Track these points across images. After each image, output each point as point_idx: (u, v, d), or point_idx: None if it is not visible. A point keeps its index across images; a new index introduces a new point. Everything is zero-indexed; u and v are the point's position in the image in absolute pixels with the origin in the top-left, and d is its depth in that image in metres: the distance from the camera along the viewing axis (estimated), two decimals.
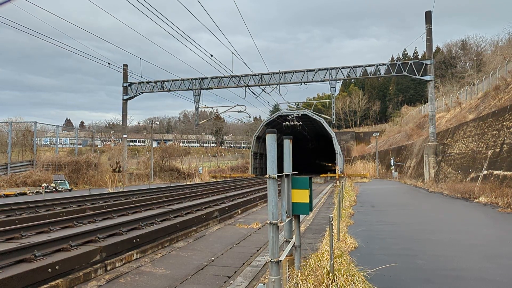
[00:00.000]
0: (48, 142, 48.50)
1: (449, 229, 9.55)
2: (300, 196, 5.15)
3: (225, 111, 37.20)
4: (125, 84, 37.18)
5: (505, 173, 16.02)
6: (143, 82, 36.41)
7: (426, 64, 29.68)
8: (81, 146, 51.97)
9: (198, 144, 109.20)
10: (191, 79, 34.97)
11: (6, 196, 21.85)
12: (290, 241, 5.13)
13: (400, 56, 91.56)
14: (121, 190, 24.61)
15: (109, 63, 30.06)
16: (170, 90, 35.73)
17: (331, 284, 4.50)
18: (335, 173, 39.33)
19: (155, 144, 65.73)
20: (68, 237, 7.04)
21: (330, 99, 36.54)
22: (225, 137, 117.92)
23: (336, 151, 45.79)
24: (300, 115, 45.74)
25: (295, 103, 54.15)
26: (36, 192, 24.71)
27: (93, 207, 13.59)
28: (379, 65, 31.44)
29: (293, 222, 5.37)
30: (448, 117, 36.94)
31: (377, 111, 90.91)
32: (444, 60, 63.20)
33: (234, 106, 36.19)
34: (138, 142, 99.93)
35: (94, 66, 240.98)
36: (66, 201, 15.15)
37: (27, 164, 31.95)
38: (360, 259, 5.99)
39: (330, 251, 4.76)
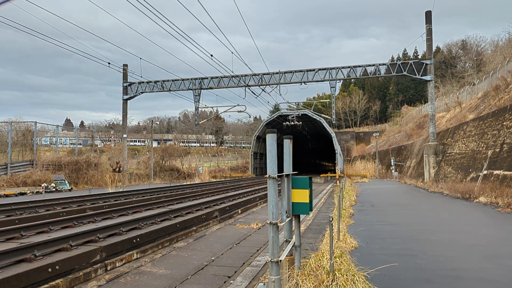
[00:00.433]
0: (48, 142, 48.50)
1: (449, 229, 9.55)
2: (300, 196, 5.15)
3: (225, 111, 37.23)
4: (125, 84, 37.17)
5: (505, 173, 16.01)
6: (143, 82, 36.41)
7: (426, 64, 29.67)
8: (81, 146, 51.98)
9: (198, 144, 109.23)
10: (191, 79, 34.97)
11: (6, 196, 21.85)
12: (290, 241, 5.13)
13: (400, 56, 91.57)
14: (121, 190, 24.61)
15: (109, 63, 30.08)
16: (170, 90, 35.73)
17: (331, 284, 4.50)
18: (335, 173, 39.33)
19: (155, 144, 65.74)
20: (68, 237, 7.04)
21: (330, 99, 36.54)
22: (225, 137, 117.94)
23: (336, 151, 45.79)
24: (300, 115, 45.74)
25: (295, 103, 54.17)
26: (36, 192, 24.71)
27: (93, 207, 13.60)
28: (379, 65, 31.43)
29: (293, 222, 5.37)
30: (448, 117, 36.94)
31: (377, 111, 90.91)
32: (444, 60, 63.19)
33: (234, 106, 36.22)
34: (138, 142, 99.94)
35: (94, 66, 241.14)
36: (66, 201, 15.15)
37: (27, 164, 31.95)
38: (360, 259, 5.99)
39: (330, 251, 4.76)
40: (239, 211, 14.14)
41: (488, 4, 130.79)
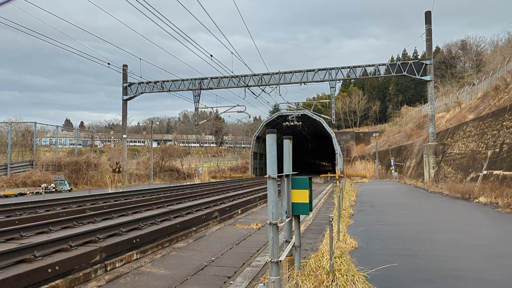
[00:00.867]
0: (48, 143, 48.46)
1: (449, 229, 9.55)
2: (300, 196, 5.15)
3: (225, 111, 37.24)
4: (125, 85, 37.18)
5: (505, 173, 16.02)
6: (143, 83, 36.41)
7: (426, 64, 29.69)
8: (81, 146, 51.93)
9: (198, 144, 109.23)
10: (191, 79, 34.98)
11: (6, 196, 21.84)
12: (290, 241, 5.13)
13: (400, 56, 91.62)
14: (121, 190, 24.60)
15: (108, 64, 30.05)
16: (170, 91, 35.73)
17: (331, 284, 4.50)
18: (335, 173, 39.32)
19: (155, 144, 65.72)
20: (68, 237, 7.03)
21: (330, 99, 36.56)
22: (225, 137, 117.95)
23: (336, 151, 45.79)
24: (300, 115, 45.74)
25: (295, 103, 54.14)
26: (36, 192, 24.70)
27: (93, 207, 13.59)
28: (379, 65, 31.45)
29: (293, 222, 5.37)
30: (448, 117, 36.95)
31: (377, 111, 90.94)
32: (444, 60, 63.23)
33: (234, 106, 36.23)
34: (138, 142, 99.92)
35: (94, 66, 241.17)
36: (66, 202, 15.14)
37: (27, 164, 31.93)
38: (360, 259, 5.99)
39: (330, 251, 4.76)
40: (239, 212, 14.14)
41: (488, 4, 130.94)
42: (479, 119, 22.31)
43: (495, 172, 17.00)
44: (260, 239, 9.25)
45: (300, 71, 32.65)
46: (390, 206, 15.00)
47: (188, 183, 35.54)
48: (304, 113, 46.00)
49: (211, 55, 23.26)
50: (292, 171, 5.17)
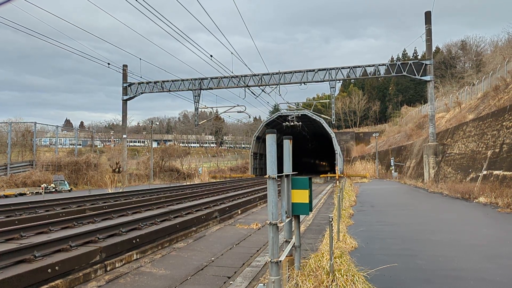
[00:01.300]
0: (47, 143, 48.46)
1: (449, 229, 9.55)
2: (300, 196, 5.15)
3: (225, 112, 37.22)
4: (125, 85, 37.17)
5: (505, 173, 16.02)
6: (143, 83, 36.42)
7: (426, 64, 29.69)
8: (80, 146, 51.93)
9: (198, 145, 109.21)
10: (191, 80, 34.98)
11: (6, 196, 21.83)
12: (290, 242, 5.13)
13: (400, 56, 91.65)
14: (120, 190, 24.60)
15: (108, 64, 30.04)
16: (170, 91, 35.73)
17: (331, 284, 4.50)
18: (335, 173, 39.32)
19: (154, 145, 65.72)
20: (68, 237, 7.03)
21: (329, 99, 36.57)
22: (225, 137, 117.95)
23: (336, 151, 45.78)
24: (300, 115, 45.74)
25: (295, 103, 54.18)
26: (36, 192, 24.69)
27: (93, 207, 13.59)
28: (379, 65, 31.45)
29: (293, 222, 5.37)
30: (447, 117, 36.96)
31: (377, 111, 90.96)
32: (444, 60, 63.25)
33: (234, 106, 36.22)
34: (138, 142, 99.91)
35: (93, 66, 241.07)
36: (65, 202, 15.14)
37: (26, 164, 31.93)
38: (360, 259, 5.99)
39: (330, 251, 4.76)
40: (239, 212, 14.14)
41: (488, 4, 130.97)
42: (479, 119, 22.31)
43: (495, 172, 17.00)
44: (260, 239, 9.25)
45: (300, 71, 32.65)
46: (390, 206, 15.00)
47: (188, 183, 35.54)
48: (304, 113, 46.00)
49: (211, 55, 23.28)
50: (292, 171, 5.17)
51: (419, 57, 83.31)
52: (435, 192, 20.72)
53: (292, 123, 44.70)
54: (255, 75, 33.38)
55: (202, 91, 35.05)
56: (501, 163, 16.87)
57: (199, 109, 35.85)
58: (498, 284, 5.14)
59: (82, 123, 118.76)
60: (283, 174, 4.98)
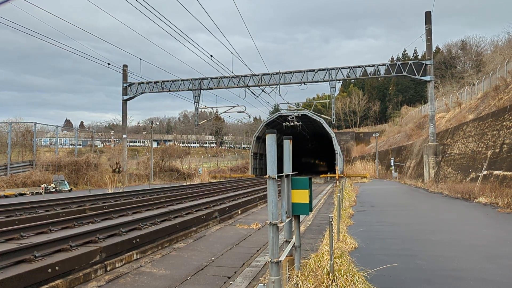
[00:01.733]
0: (48, 143, 48.46)
1: (449, 229, 9.55)
2: (300, 196, 5.15)
3: (225, 112, 37.22)
4: (125, 85, 37.18)
5: (505, 173, 16.02)
6: (143, 83, 36.42)
7: (426, 65, 29.69)
8: (81, 146, 51.93)
9: (198, 145, 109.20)
10: (191, 80, 34.98)
11: (6, 196, 21.84)
12: (290, 242, 5.13)
13: (400, 57, 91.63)
14: (121, 190, 24.60)
15: (108, 64, 30.04)
16: (170, 91, 35.74)
17: (331, 284, 4.50)
18: (335, 173, 39.32)
19: (155, 145, 65.72)
20: (68, 237, 7.03)
21: (330, 100, 36.56)
22: (225, 137, 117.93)
23: (336, 152, 45.79)
24: (300, 115, 45.73)
25: (295, 103, 54.15)
26: (36, 192, 24.70)
27: (93, 207, 13.59)
28: (379, 65, 31.45)
29: (293, 222, 5.37)
30: (448, 117, 36.95)
31: (377, 111, 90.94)
32: (444, 61, 63.25)
33: (234, 106, 36.22)
34: (138, 142, 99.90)
35: (93, 66, 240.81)
36: (66, 202, 15.14)
37: (26, 164, 31.93)
38: (360, 259, 5.99)
39: (330, 251, 4.76)
40: (239, 212, 14.14)
41: (488, 4, 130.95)
42: (479, 119, 22.31)
43: (495, 172, 17.00)
44: (260, 239, 9.25)
45: (300, 71, 32.65)
46: (390, 206, 15.00)
47: (188, 183, 35.55)
48: (304, 113, 46.00)
49: (211, 55, 23.26)
50: (292, 171, 5.17)
51: (419, 57, 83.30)
52: (435, 192, 20.71)
53: (292, 123, 44.70)
54: (255, 75, 33.38)
55: (202, 91, 35.06)
56: (501, 163, 16.87)
57: (199, 109, 35.86)
58: (498, 284, 5.14)
59: (82, 123, 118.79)
60: (283, 174, 4.98)
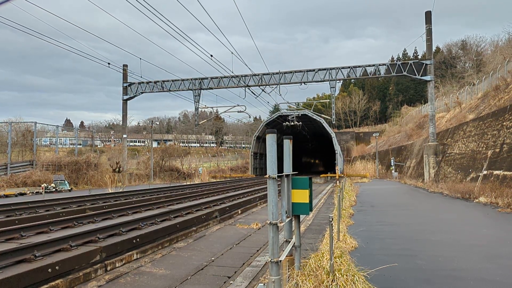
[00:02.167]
0: (48, 142, 48.49)
1: (449, 229, 9.55)
2: (300, 196, 5.15)
3: (225, 111, 37.23)
4: (125, 84, 37.18)
5: (505, 173, 16.01)
6: (143, 82, 36.42)
7: (426, 64, 29.69)
8: (81, 146, 51.94)
9: (198, 144, 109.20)
10: (191, 79, 34.98)
11: (6, 196, 21.84)
12: (290, 241, 5.13)
13: (400, 56, 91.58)
14: (121, 190, 24.60)
15: (109, 63, 30.06)
16: (170, 90, 35.74)
17: (331, 284, 4.50)
18: (335, 173, 39.31)
19: (155, 144, 65.72)
20: (68, 237, 7.03)
21: (330, 99, 36.55)
22: (225, 137, 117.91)
23: (336, 151, 45.78)
24: (300, 115, 45.72)
25: (295, 103, 54.14)
26: (36, 192, 24.70)
27: (93, 207, 13.59)
28: (379, 65, 31.45)
29: (293, 222, 5.37)
30: (448, 117, 36.94)
31: (377, 111, 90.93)
32: (444, 60, 63.23)
33: (234, 106, 36.22)
34: (138, 142, 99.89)
35: (93, 66, 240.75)
36: (66, 201, 15.15)
37: (27, 164, 31.94)
38: (360, 259, 5.99)
39: (330, 251, 4.76)
40: (239, 211, 14.14)
41: (488, 4, 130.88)
42: (479, 119, 22.30)
43: (495, 172, 17.00)
44: (260, 239, 9.25)
45: (300, 71, 32.64)
46: (390, 206, 15.00)
47: (188, 183, 35.54)
48: (304, 113, 45.99)
49: (211, 55, 23.26)
50: (292, 171, 5.17)
51: (419, 57, 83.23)
52: (435, 192, 20.71)
53: (292, 123, 44.70)
54: (255, 75, 33.37)
55: (202, 91, 35.06)
56: (501, 163, 16.87)
57: (199, 109, 35.86)
58: (498, 284, 5.14)
59: (82, 123, 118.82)
60: (283, 174, 4.98)
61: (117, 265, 6.63)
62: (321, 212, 13.81)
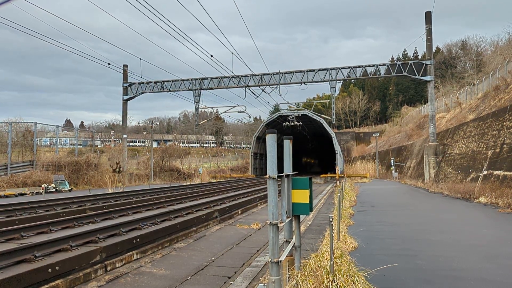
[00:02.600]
0: (48, 143, 48.51)
1: (449, 229, 9.55)
2: (300, 196, 5.15)
3: (225, 112, 37.22)
4: (125, 85, 37.19)
5: (505, 173, 16.01)
6: (143, 83, 36.43)
7: (426, 65, 29.69)
8: (81, 146, 51.95)
9: (198, 145, 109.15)
10: (191, 80, 34.98)
11: (6, 196, 21.85)
12: (290, 242, 5.13)
13: (400, 56, 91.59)
14: (121, 190, 24.60)
15: (109, 64, 30.08)
16: (170, 91, 35.76)
17: (331, 284, 4.50)
18: (335, 173, 39.31)
19: (155, 145, 65.72)
20: (68, 237, 7.03)
21: (330, 99, 36.54)
22: (225, 137, 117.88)
23: (336, 151, 45.79)
24: (300, 115, 45.74)
25: (295, 103, 54.10)
26: (36, 192, 24.70)
27: (93, 207, 13.59)
28: (379, 65, 31.45)
29: (293, 222, 5.37)
30: (448, 117, 36.94)
31: (377, 111, 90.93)
32: (444, 61, 63.23)
33: (234, 106, 36.22)
34: (138, 142, 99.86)
35: (93, 66, 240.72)
36: (66, 202, 15.15)
37: (27, 164, 31.95)
38: (360, 259, 5.99)
39: (330, 251, 4.76)
40: (239, 212, 14.14)
41: (488, 4, 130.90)
42: (479, 119, 22.30)
43: (496, 172, 17.00)
44: (260, 239, 9.25)
45: (301, 71, 32.65)
46: (390, 206, 15.00)
47: (188, 183, 35.55)
48: (304, 113, 46.00)
49: (211, 55, 23.27)
50: (292, 171, 5.17)
51: (419, 57, 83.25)
52: (435, 192, 20.71)
53: (292, 123, 44.70)
54: (255, 75, 33.38)
55: (202, 91, 35.06)
56: (501, 163, 16.86)
57: (199, 109, 35.87)
58: (498, 284, 5.14)
59: (82, 123, 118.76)
60: (283, 174, 4.98)
61: (117, 265, 6.63)
62: (321, 212, 13.81)
